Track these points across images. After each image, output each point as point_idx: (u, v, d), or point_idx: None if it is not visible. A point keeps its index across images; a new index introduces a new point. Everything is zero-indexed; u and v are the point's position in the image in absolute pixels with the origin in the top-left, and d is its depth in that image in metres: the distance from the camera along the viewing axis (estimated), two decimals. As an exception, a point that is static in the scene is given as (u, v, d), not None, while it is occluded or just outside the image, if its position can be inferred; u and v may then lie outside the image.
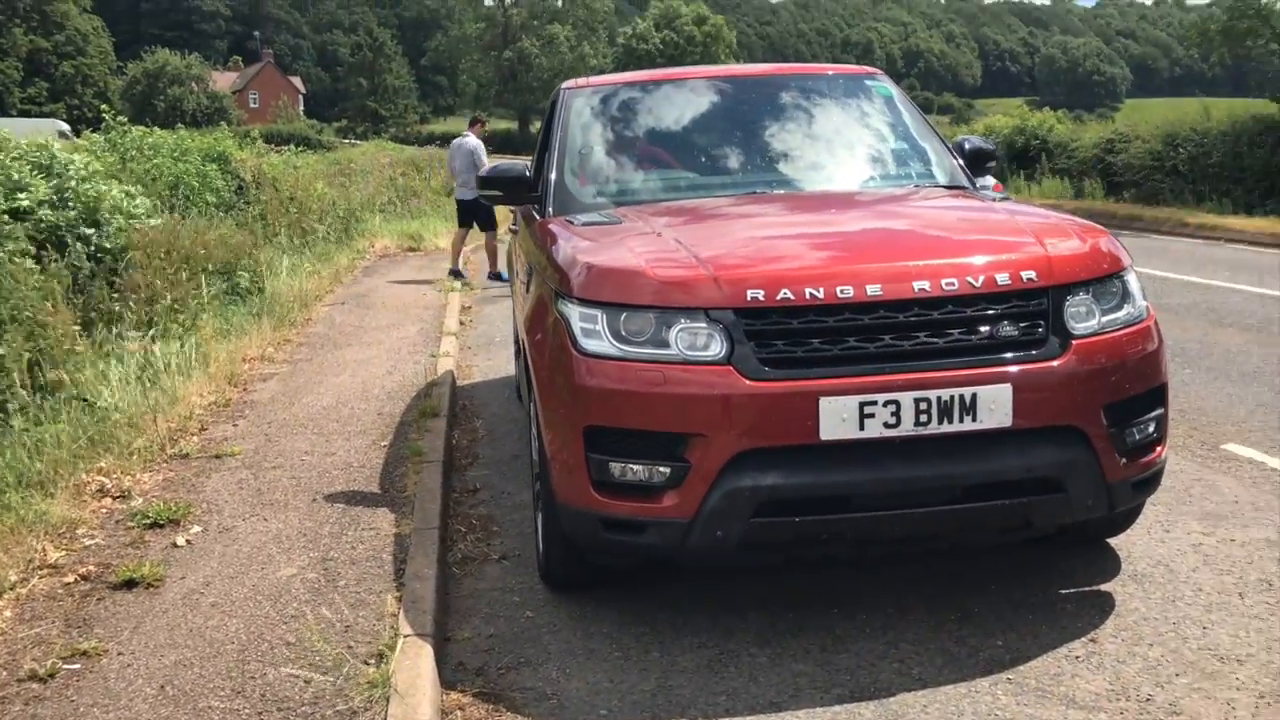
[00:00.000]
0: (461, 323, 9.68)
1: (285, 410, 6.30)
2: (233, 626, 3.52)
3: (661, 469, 3.23)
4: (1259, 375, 6.72)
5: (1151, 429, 3.49)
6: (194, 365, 6.82)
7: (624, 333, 3.31)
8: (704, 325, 3.23)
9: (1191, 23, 24.29)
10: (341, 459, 5.35)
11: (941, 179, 4.63)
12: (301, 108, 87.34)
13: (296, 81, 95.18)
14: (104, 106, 13.52)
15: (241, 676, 3.18)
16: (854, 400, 3.11)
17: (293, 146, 26.63)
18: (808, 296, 3.19)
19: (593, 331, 3.36)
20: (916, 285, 3.23)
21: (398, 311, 9.99)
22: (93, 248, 8.19)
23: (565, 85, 5.24)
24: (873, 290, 3.21)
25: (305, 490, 4.88)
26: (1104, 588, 3.76)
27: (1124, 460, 3.37)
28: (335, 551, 4.14)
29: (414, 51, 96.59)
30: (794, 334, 3.20)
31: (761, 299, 3.21)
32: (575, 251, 3.70)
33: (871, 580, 3.84)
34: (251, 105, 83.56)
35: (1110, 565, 3.93)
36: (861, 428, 3.12)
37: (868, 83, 5.14)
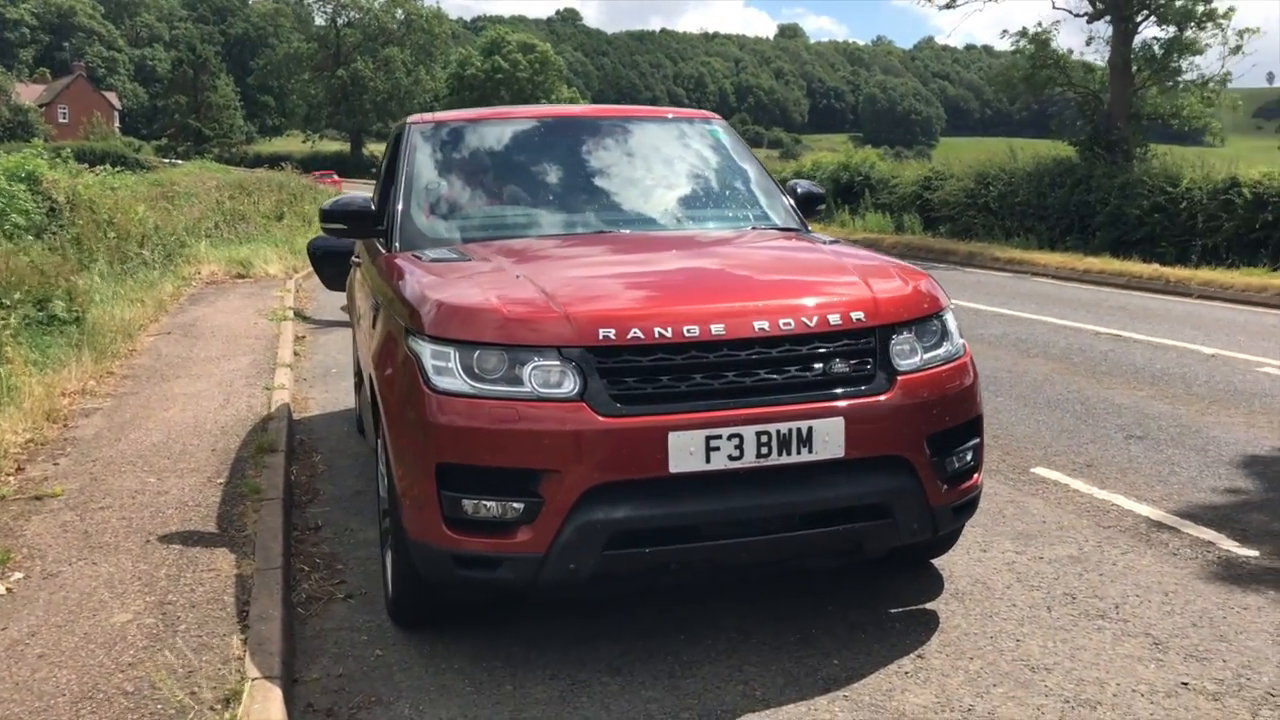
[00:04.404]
0: (296, 353, 9.45)
1: (111, 447, 6.02)
2: (63, 678, 3.36)
3: (515, 505, 3.29)
4: (1062, 402, 7.28)
5: (969, 457, 3.77)
6: (4, 399, 6.44)
7: (477, 370, 3.36)
8: (557, 363, 3.31)
9: (996, 70, 25.99)
10: (175, 497, 5.16)
11: (776, 220, 4.87)
12: (117, 124, 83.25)
13: (111, 97, 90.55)
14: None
15: (76, 730, 3.06)
16: (700, 434, 3.26)
17: (108, 166, 25.32)
18: (656, 335, 3.32)
19: (445, 369, 3.39)
20: (756, 325, 3.40)
21: (228, 342, 9.67)
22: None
23: (410, 120, 5.26)
24: (717, 329, 3.37)
25: (138, 531, 4.69)
26: (929, 606, 4.02)
27: (945, 487, 3.63)
28: (174, 595, 4.00)
29: (240, 70, 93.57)
30: (644, 371, 3.32)
31: (613, 337, 3.31)
32: (425, 288, 3.73)
33: (718, 605, 3.98)
34: (61, 120, 79.01)
35: (934, 584, 4.21)
36: (708, 460, 3.27)
37: (705, 126, 5.36)
